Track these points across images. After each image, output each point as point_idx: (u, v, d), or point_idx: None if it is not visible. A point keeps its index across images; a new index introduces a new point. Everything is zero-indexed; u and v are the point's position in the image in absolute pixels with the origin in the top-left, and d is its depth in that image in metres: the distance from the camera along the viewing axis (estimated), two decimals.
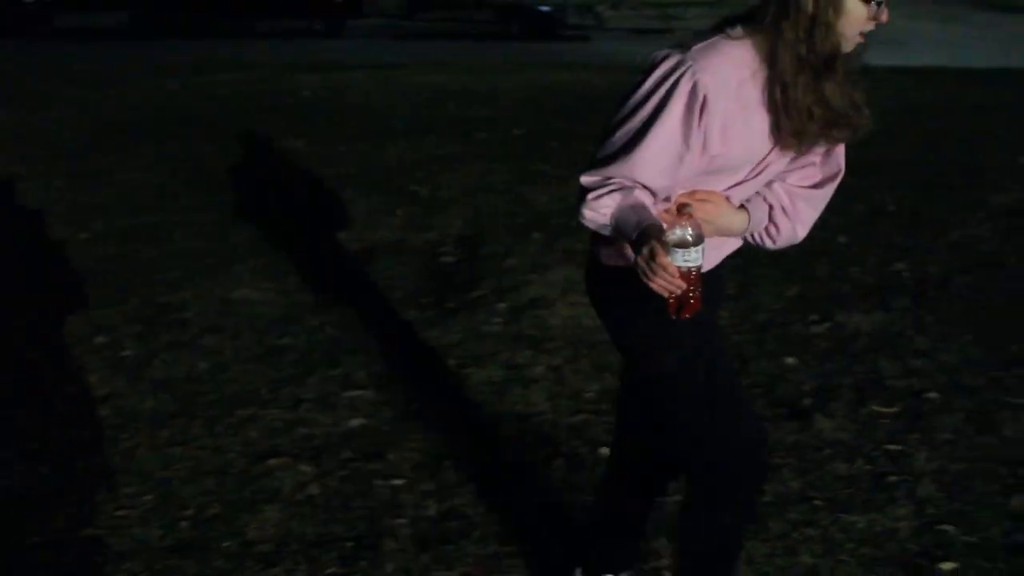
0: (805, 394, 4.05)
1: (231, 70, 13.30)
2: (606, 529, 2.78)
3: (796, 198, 2.35)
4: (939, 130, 9.08)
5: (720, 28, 2.19)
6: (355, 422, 3.88)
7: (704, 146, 2.15)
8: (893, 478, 3.46)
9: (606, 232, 2.20)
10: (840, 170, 2.37)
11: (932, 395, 4.05)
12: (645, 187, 2.16)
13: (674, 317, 2.07)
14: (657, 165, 2.15)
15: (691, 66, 2.11)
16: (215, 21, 19.69)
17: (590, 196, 2.18)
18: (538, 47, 17.66)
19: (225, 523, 3.25)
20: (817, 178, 2.37)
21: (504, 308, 4.96)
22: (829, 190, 2.38)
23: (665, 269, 1.98)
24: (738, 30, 2.17)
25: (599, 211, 2.17)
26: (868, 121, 2.21)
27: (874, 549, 3.09)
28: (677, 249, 2.01)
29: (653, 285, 2.00)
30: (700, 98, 2.10)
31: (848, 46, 2.13)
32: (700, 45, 2.15)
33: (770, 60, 2.14)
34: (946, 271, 5.43)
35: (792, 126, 2.16)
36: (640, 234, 2.05)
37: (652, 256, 1.98)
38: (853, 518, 3.24)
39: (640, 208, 2.13)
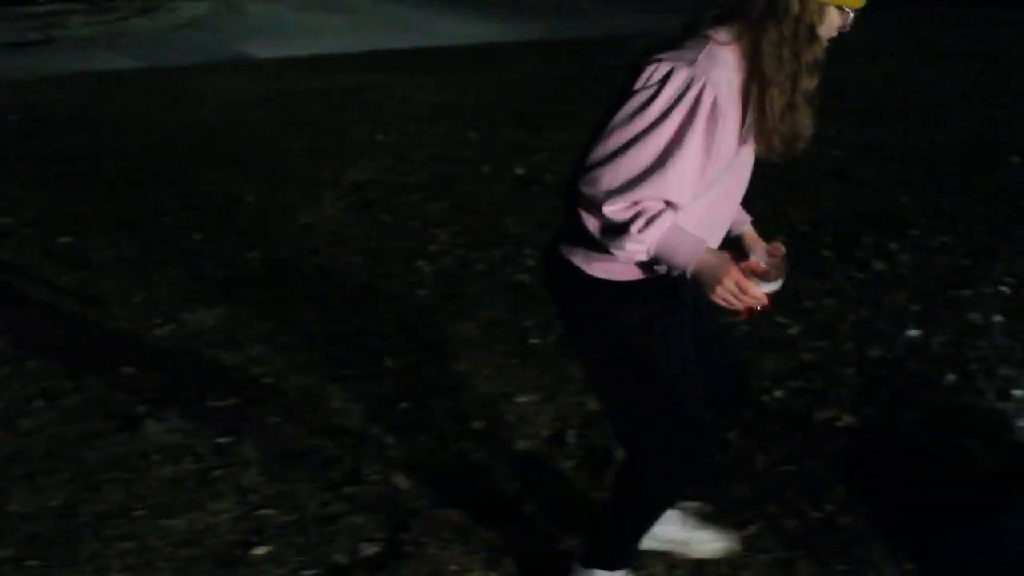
0: (141, 402, 3.95)
1: None
2: (607, 524, 2.71)
3: None
4: (304, 117, 9.35)
5: (697, 29, 2.20)
6: None
7: (719, 153, 2.19)
8: (219, 472, 3.48)
9: (641, 258, 2.21)
10: None
11: (267, 380, 4.14)
12: (671, 204, 2.18)
13: (744, 317, 2.26)
14: (687, 182, 2.16)
15: (705, 80, 2.11)
16: None
17: (634, 229, 2.15)
18: None
19: None
20: None
21: None
22: None
23: (755, 297, 2.17)
24: (723, 33, 2.18)
25: (645, 242, 2.17)
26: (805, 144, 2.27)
27: (192, 548, 3.08)
28: (755, 278, 2.21)
29: (733, 304, 2.18)
30: (718, 110, 2.13)
31: (821, 53, 2.19)
32: (702, 55, 2.14)
33: (752, 58, 2.16)
34: (294, 255, 5.59)
35: (762, 126, 2.20)
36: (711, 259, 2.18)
37: (741, 289, 2.16)
38: (173, 521, 3.21)
39: (679, 231, 2.18)
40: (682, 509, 2.97)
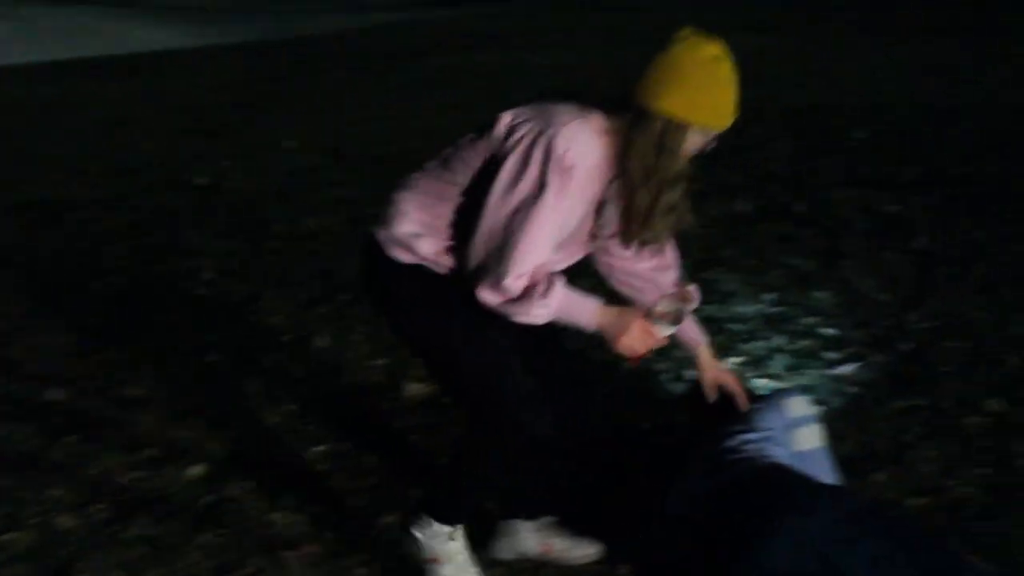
0: None
1: None
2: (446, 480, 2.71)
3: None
4: None
5: (578, 103, 2.33)
6: None
7: (576, 220, 2.39)
8: None
9: (543, 321, 2.34)
10: None
11: None
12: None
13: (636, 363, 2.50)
14: (551, 242, 2.33)
15: (572, 150, 2.25)
16: None
17: (537, 294, 2.30)
18: None
19: None
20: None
21: None
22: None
23: (658, 342, 2.44)
24: (599, 121, 2.32)
25: (550, 305, 2.32)
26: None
27: None
28: (663, 323, 2.43)
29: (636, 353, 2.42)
30: (578, 182, 2.29)
31: (685, 167, 2.34)
32: (574, 126, 2.27)
33: (621, 159, 2.32)
34: None
35: (625, 223, 2.42)
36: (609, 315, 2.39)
37: (649, 336, 2.40)
38: None
39: (572, 292, 2.37)
40: (538, 522, 2.91)
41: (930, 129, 7.16)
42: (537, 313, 2.33)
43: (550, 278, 2.34)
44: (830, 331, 4.27)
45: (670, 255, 2.75)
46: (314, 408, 3.81)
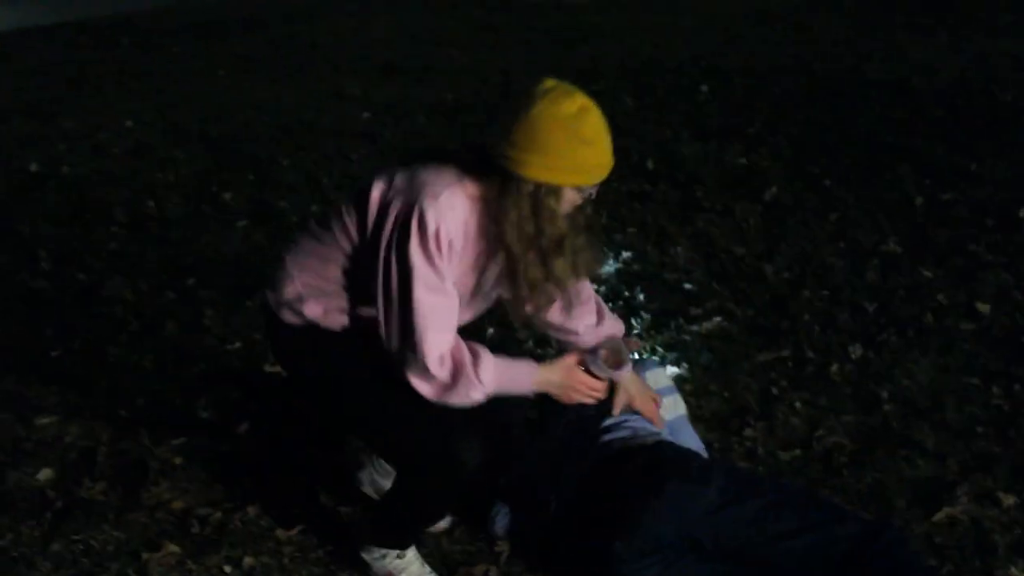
0: None
1: None
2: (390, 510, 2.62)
3: None
4: None
5: (450, 166, 2.22)
6: None
7: (462, 282, 2.32)
8: None
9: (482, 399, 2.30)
10: None
11: None
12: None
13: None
14: (448, 314, 2.26)
15: (441, 221, 2.17)
16: None
17: (469, 377, 2.26)
18: None
19: None
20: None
21: None
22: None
23: (599, 389, 2.52)
24: (470, 186, 2.21)
25: (487, 383, 2.28)
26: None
27: None
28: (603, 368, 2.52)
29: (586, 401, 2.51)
30: (452, 249, 2.21)
31: (566, 229, 2.24)
32: (443, 197, 2.17)
33: (498, 228, 2.22)
34: None
35: (512, 294, 2.35)
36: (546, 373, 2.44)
37: (588, 388, 2.48)
38: None
39: (502, 361, 2.35)
40: None
41: (772, 79, 7.27)
42: (475, 397, 2.29)
43: (474, 352, 2.29)
44: (690, 287, 4.28)
45: (591, 300, 2.70)
46: (167, 400, 3.64)
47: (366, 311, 2.38)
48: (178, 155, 6.47)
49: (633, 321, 4.02)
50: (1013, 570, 2.64)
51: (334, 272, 2.40)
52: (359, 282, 2.35)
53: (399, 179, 2.25)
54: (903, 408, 3.35)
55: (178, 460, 3.28)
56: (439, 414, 2.35)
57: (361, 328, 2.41)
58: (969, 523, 2.81)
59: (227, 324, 4.16)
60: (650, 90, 7.17)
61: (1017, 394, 3.41)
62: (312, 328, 2.44)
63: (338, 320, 2.43)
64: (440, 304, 2.24)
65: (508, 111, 2.19)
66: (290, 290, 2.44)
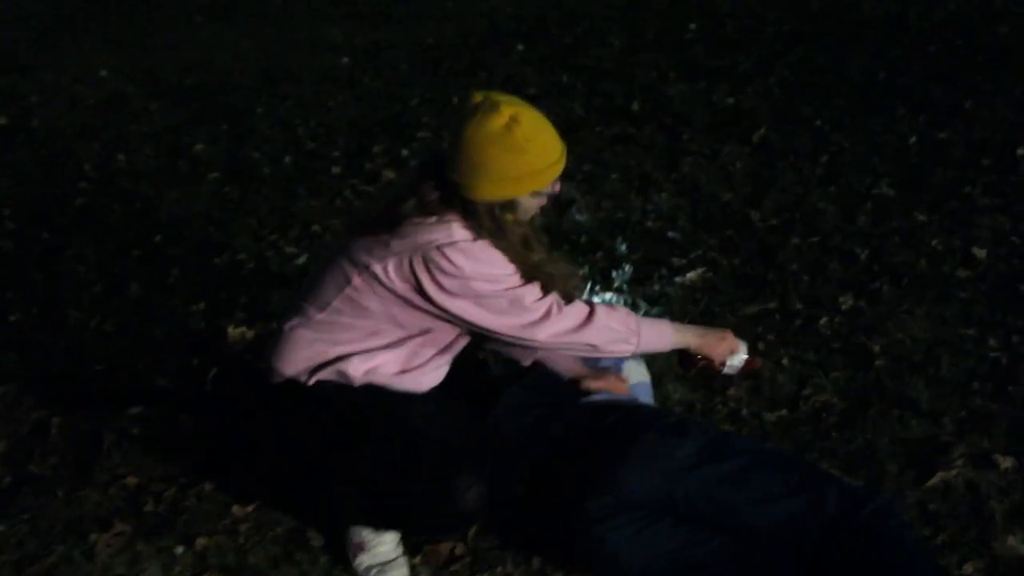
0: None
1: None
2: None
3: None
4: None
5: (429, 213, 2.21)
6: None
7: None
8: None
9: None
10: None
11: None
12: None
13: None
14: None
15: (445, 251, 2.19)
16: None
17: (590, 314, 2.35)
18: None
19: None
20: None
21: None
22: None
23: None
24: (456, 223, 2.20)
25: (630, 327, 2.41)
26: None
27: None
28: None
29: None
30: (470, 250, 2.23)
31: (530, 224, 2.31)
32: (430, 238, 2.19)
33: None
34: None
35: None
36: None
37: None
38: None
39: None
40: None
41: (763, 17, 7.02)
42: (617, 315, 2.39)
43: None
44: (674, 235, 4.11)
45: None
46: (127, 366, 3.48)
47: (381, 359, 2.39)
48: (152, 106, 6.27)
49: (614, 273, 3.85)
50: (1011, 540, 2.48)
51: (346, 341, 2.38)
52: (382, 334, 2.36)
53: (395, 245, 2.23)
54: (896, 363, 3.19)
55: (135, 431, 3.14)
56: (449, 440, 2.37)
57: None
58: (964, 488, 2.66)
59: (192, 283, 3.99)
60: (638, 29, 6.92)
61: (1015, 346, 3.24)
62: (316, 386, 2.41)
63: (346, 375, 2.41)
64: (513, 281, 2.27)
65: (449, 134, 2.24)
66: (298, 361, 2.42)
